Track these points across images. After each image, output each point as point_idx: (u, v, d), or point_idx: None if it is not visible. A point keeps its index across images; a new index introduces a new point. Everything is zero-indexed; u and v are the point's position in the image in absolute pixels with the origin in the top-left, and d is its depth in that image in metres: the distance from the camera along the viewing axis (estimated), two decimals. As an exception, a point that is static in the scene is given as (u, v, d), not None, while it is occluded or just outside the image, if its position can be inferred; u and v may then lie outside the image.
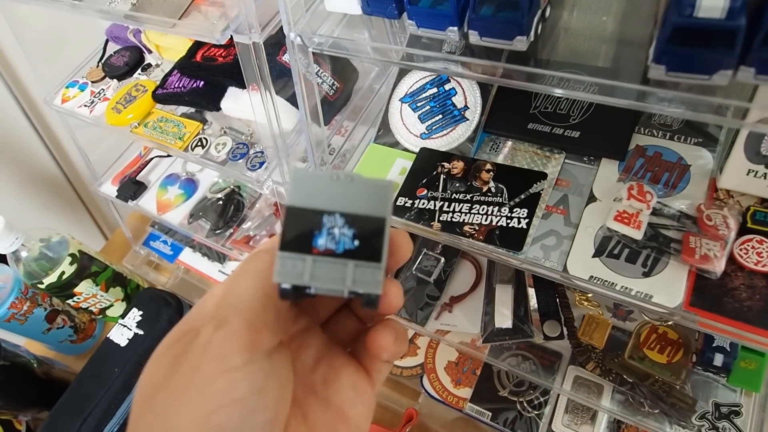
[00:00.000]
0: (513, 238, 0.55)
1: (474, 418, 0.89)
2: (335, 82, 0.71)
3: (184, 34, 0.68)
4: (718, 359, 0.60)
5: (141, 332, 0.90)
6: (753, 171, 0.51)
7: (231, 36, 0.55)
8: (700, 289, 0.49)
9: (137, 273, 1.21)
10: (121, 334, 0.90)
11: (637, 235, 0.51)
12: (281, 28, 0.54)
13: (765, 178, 0.50)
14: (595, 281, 0.51)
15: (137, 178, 1.03)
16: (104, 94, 0.87)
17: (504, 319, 0.70)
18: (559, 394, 0.83)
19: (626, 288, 0.50)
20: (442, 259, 0.80)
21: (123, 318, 0.92)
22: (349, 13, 0.50)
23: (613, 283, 0.51)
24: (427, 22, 0.44)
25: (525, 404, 0.85)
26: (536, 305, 0.71)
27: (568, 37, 0.50)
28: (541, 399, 0.86)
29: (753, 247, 0.49)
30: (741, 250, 0.49)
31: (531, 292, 0.72)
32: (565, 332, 0.69)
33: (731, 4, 0.31)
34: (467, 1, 0.42)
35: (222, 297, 0.26)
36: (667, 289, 0.50)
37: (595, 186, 0.57)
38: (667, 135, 0.59)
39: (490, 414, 0.87)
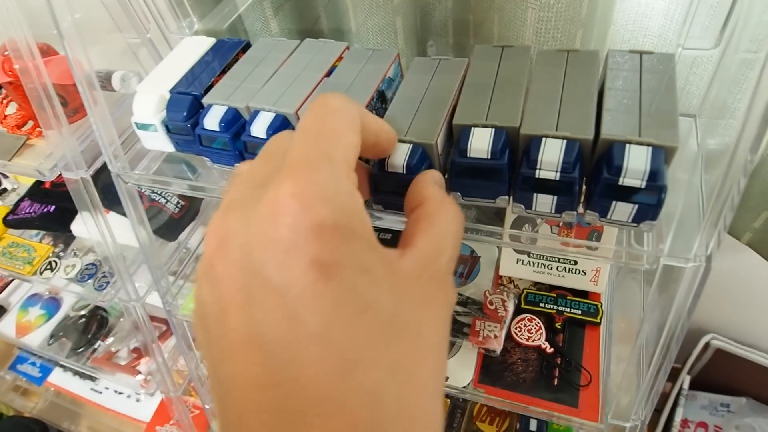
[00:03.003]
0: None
1: None
2: (180, 201, 0.77)
3: (16, 173, 0.72)
4: (533, 424, 0.68)
5: (-5, 467, 0.85)
6: (520, 260, 0.61)
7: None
8: (487, 367, 0.57)
9: (2, 401, 1.14)
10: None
11: (433, 323, 0.59)
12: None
13: (530, 264, 0.61)
14: (401, 369, 0.58)
15: (-4, 301, 1.01)
16: (-47, 223, 0.87)
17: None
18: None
19: (426, 372, 0.57)
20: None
21: (-24, 454, 0.87)
22: (164, 151, 0.57)
23: (416, 369, 0.57)
24: (219, 159, 0.51)
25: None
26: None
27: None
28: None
29: (525, 325, 0.58)
30: (516, 328, 0.58)
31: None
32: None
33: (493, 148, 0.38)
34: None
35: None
36: (460, 369, 0.57)
37: (405, 281, 0.65)
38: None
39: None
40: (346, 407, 0.18)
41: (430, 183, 0.30)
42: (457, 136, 0.40)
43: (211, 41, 0.57)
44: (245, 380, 0.19)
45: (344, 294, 0.18)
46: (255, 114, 0.46)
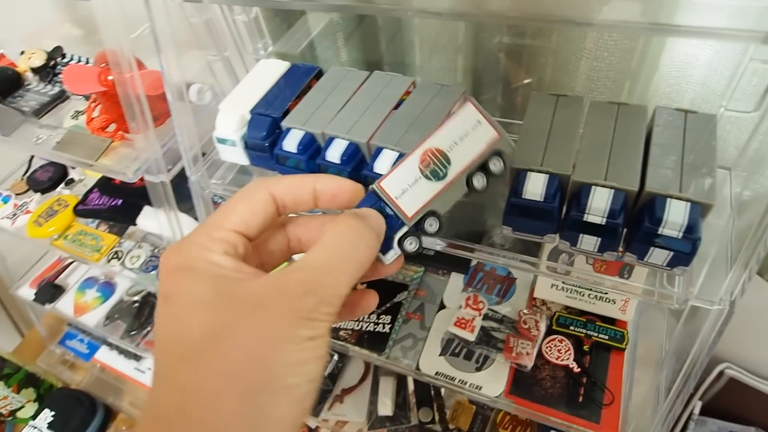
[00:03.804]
0: (378, 341, 0.67)
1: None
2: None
3: (101, 173, 0.79)
4: (554, 435, 0.72)
5: (51, 433, 0.93)
6: (555, 285, 0.66)
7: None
8: (518, 380, 0.62)
9: (52, 372, 1.22)
10: (30, 437, 0.92)
11: (471, 337, 0.64)
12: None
13: (563, 290, 0.65)
14: (439, 376, 0.63)
15: (56, 281, 1.09)
16: (27, 207, 0.95)
17: (385, 407, 0.80)
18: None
19: (462, 381, 0.62)
20: (336, 355, 0.90)
21: (34, 419, 0.95)
22: (239, 163, 0.63)
23: (453, 377, 0.63)
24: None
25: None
26: (414, 392, 0.82)
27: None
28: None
29: (555, 346, 0.63)
30: (547, 347, 0.63)
31: (410, 380, 0.83)
32: (437, 417, 0.80)
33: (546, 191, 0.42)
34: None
35: None
36: (493, 380, 0.62)
37: (445, 295, 0.71)
38: (500, 254, 0.74)
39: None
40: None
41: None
42: (513, 178, 0.45)
43: (285, 65, 0.62)
44: None
45: (173, 314, 0.26)
46: (330, 140, 0.52)
